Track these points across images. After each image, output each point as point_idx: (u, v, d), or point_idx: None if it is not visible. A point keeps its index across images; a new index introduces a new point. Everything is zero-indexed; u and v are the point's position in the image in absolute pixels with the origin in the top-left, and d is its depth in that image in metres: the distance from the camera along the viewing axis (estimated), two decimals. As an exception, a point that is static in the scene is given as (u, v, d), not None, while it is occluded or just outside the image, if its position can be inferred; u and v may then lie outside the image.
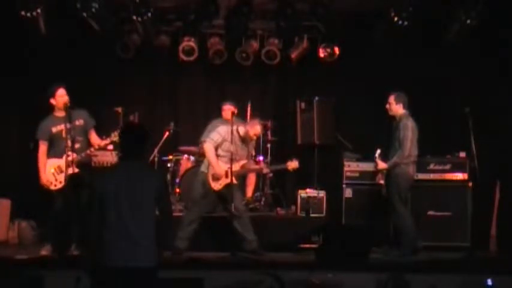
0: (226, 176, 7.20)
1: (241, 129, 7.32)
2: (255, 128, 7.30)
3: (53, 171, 7.05)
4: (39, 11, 7.82)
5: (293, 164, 7.60)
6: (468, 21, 8.13)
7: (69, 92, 7.09)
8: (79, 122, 7.11)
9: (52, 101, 7.11)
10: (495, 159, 8.36)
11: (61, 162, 7.03)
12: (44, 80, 8.72)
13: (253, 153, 8.62)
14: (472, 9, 8.07)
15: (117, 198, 4.33)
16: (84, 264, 4.51)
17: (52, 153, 7.10)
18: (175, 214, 8.11)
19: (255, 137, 7.46)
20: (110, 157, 8.09)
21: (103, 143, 7.16)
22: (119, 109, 8.85)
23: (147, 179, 4.45)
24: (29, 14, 7.78)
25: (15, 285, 6.14)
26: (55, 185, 7.06)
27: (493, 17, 8.20)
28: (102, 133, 7.44)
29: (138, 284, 4.32)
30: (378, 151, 7.44)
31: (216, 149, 7.21)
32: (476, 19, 8.10)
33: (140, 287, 4.35)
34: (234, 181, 7.20)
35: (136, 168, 4.46)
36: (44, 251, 7.03)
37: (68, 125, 7.00)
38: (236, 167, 7.21)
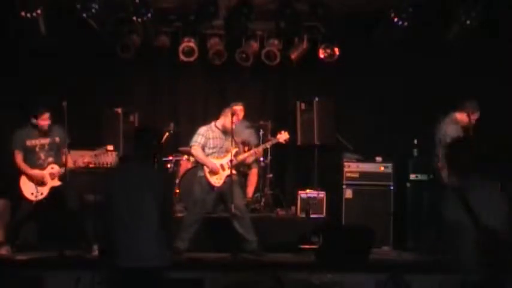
0: (223, 169, 7.28)
1: (219, 123, 7.45)
2: (227, 115, 7.37)
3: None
4: (39, 11, 7.81)
5: (284, 136, 7.77)
6: (468, 21, 8.13)
7: (69, 92, 7.09)
8: (55, 140, 7.25)
9: (33, 120, 7.21)
10: (495, 159, 8.34)
11: (44, 174, 7.12)
12: (43, 80, 8.76)
13: (253, 140, 8.61)
14: (472, 9, 8.07)
15: (122, 198, 4.41)
16: (102, 264, 4.56)
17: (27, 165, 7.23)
18: (175, 215, 8.16)
19: (233, 124, 7.35)
20: (110, 158, 8.09)
21: (82, 161, 7.31)
22: (119, 109, 8.85)
23: (150, 179, 4.52)
24: (29, 14, 7.77)
25: (15, 285, 6.15)
26: (36, 196, 7.11)
27: (493, 17, 8.20)
28: (101, 134, 7.43)
29: (145, 284, 4.35)
30: None
31: (203, 149, 7.34)
32: (476, 19, 8.11)
33: (147, 286, 4.38)
34: (234, 172, 7.24)
35: (141, 169, 4.54)
36: (4, 251, 7.09)
37: (43, 140, 7.19)
38: (231, 157, 7.24)
